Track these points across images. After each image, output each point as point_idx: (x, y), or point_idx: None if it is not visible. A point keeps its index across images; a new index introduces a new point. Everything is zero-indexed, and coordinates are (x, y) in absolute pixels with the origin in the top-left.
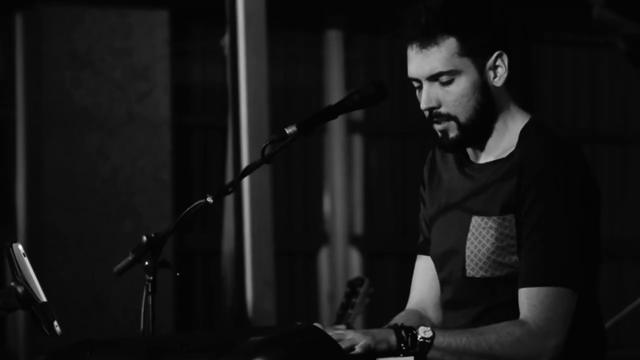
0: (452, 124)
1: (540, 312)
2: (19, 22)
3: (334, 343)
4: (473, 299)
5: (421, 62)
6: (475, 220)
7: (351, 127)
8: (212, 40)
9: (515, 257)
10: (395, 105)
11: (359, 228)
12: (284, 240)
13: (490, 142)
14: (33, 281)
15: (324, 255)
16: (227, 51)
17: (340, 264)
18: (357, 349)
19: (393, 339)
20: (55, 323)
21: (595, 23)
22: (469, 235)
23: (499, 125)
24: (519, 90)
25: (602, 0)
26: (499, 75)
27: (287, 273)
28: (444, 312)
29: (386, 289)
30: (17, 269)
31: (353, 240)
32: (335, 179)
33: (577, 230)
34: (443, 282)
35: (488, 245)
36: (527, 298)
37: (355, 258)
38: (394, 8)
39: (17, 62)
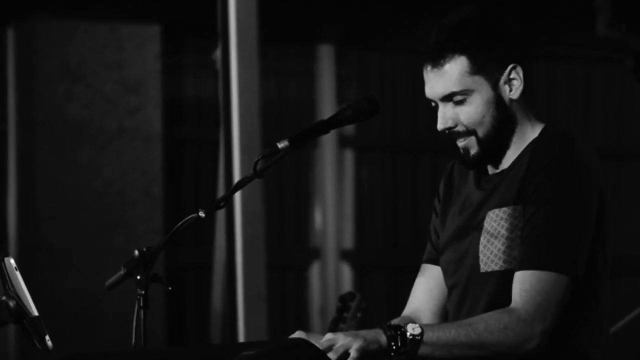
0: (473, 139)
1: (530, 297)
2: (11, 36)
3: (324, 356)
4: (481, 296)
5: (434, 82)
6: (488, 215)
7: (342, 142)
8: (204, 54)
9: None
10: (387, 120)
11: (349, 242)
12: (276, 255)
13: (508, 154)
14: (25, 295)
15: (315, 270)
16: (218, 65)
17: (331, 277)
18: (353, 353)
19: (383, 338)
20: (47, 337)
21: (602, 41)
22: (483, 230)
23: (516, 138)
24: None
25: (607, 19)
26: (515, 88)
27: (278, 287)
28: (451, 316)
29: (377, 302)
30: (9, 283)
31: (344, 254)
32: (327, 194)
33: (578, 219)
34: (454, 287)
35: (503, 239)
36: (519, 282)
37: (346, 272)
38: (386, 24)
39: (9, 76)
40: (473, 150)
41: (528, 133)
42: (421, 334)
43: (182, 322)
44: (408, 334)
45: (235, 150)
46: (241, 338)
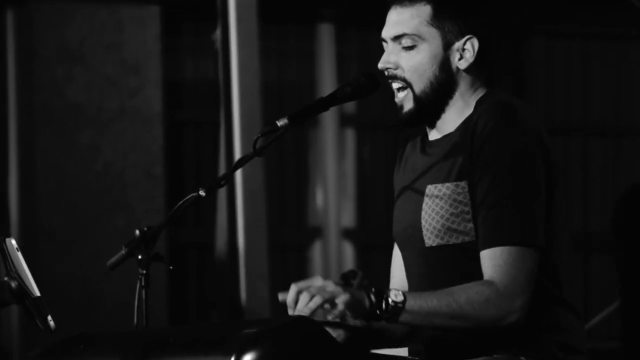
0: (409, 95)
1: (505, 272)
2: (9, 19)
3: (326, 334)
4: (435, 271)
5: (392, 22)
6: (429, 189)
7: (344, 121)
8: (204, 35)
9: (470, 225)
10: (388, 99)
11: (351, 221)
12: (277, 234)
13: (448, 118)
14: (26, 275)
15: (317, 248)
16: (218, 45)
17: (333, 256)
18: (340, 305)
19: (366, 301)
20: (49, 317)
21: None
22: (423, 205)
23: (458, 105)
24: (509, 84)
25: None
26: (465, 58)
27: (280, 266)
28: (411, 288)
29: (379, 281)
30: (11, 264)
31: (346, 233)
32: (328, 172)
33: (533, 188)
34: (406, 259)
35: (442, 212)
36: (491, 259)
37: (348, 251)
38: (386, 2)
39: (9, 59)
40: (407, 106)
41: (473, 100)
42: (403, 302)
43: (184, 301)
44: (390, 300)
45: (235, 131)
46: (243, 317)
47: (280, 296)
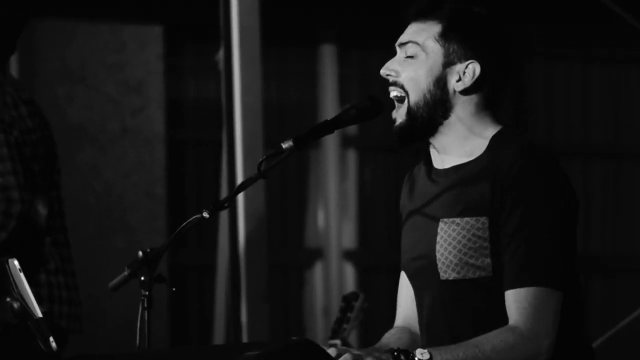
0: (403, 107)
1: (530, 314)
2: None
3: (328, 356)
4: (450, 304)
5: (405, 33)
6: (445, 223)
7: (345, 142)
8: (206, 55)
9: (488, 260)
10: (390, 120)
11: (352, 242)
12: (279, 255)
13: (454, 146)
14: (29, 296)
15: (318, 270)
16: (221, 66)
17: (334, 278)
18: None
19: None
20: (51, 338)
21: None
22: (438, 238)
23: (458, 129)
24: (509, 105)
25: None
26: (463, 81)
27: (281, 288)
28: (421, 319)
29: (380, 303)
30: (13, 285)
31: (347, 254)
32: (329, 194)
33: (558, 232)
34: (417, 289)
35: (459, 246)
36: (516, 300)
37: (349, 272)
38: (387, 23)
39: None
40: (400, 119)
41: (477, 128)
42: (430, 359)
43: (185, 323)
44: (416, 359)
45: (238, 152)
46: (244, 338)
47: None
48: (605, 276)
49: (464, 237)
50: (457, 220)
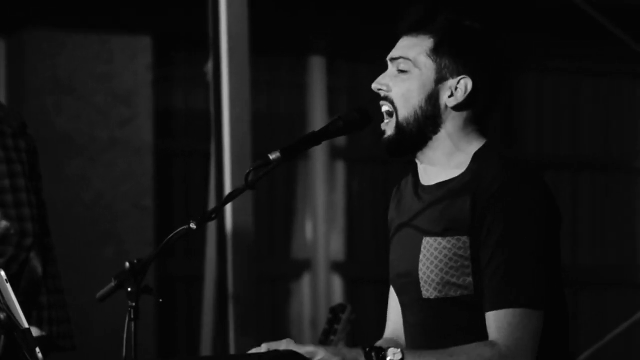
0: (392, 122)
1: (509, 334)
2: (1, 48)
3: None
4: (432, 323)
5: (397, 47)
6: (427, 242)
7: (334, 153)
8: (195, 65)
9: (469, 279)
10: (379, 132)
11: (340, 254)
12: (266, 266)
13: (438, 164)
14: (15, 307)
15: (305, 281)
16: (210, 78)
17: (322, 290)
18: None
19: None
20: (37, 350)
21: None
22: (421, 257)
23: (446, 145)
24: (499, 117)
25: None
26: (455, 97)
27: (269, 299)
28: (407, 336)
29: (368, 315)
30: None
31: (335, 266)
32: (318, 205)
33: (539, 250)
34: (403, 306)
35: (441, 265)
36: (495, 321)
37: (337, 284)
38: (377, 35)
39: (0, 88)
40: (389, 132)
41: (463, 144)
42: None
43: (173, 334)
44: (388, 358)
45: (226, 162)
46: (232, 350)
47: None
48: (594, 288)
49: (445, 256)
50: (439, 239)
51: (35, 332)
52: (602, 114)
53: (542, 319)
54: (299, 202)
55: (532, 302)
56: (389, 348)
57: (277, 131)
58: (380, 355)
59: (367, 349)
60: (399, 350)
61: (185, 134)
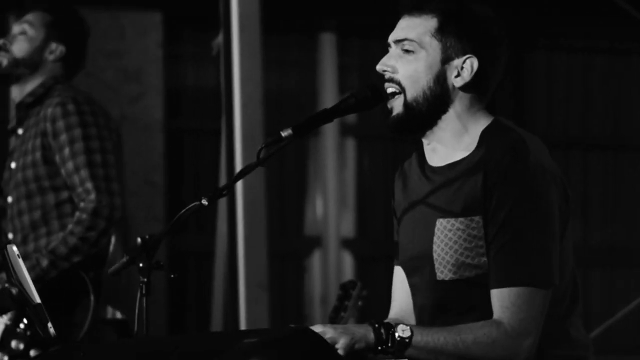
0: (400, 100)
1: (513, 313)
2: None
3: (326, 345)
4: (446, 304)
5: (399, 28)
6: (440, 223)
7: (344, 131)
8: (206, 43)
9: (484, 259)
10: (387, 110)
11: (351, 231)
12: (277, 243)
13: (448, 144)
14: (27, 283)
15: (316, 258)
16: (215, 52)
17: (332, 266)
18: (339, 351)
19: (371, 336)
20: (49, 324)
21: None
22: (435, 238)
23: (454, 125)
24: (509, 97)
25: None
26: (462, 76)
27: (279, 276)
28: (417, 317)
29: (378, 291)
30: (12, 271)
31: (345, 243)
32: (328, 182)
33: (545, 228)
34: (413, 287)
35: (456, 247)
36: (499, 299)
37: (347, 261)
38: (387, 12)
39: None
40: (396, 111)
41: (471, 124)
42: (410, 337)
43: (184, 309)
44: (397, 335)
45: (237, 140)
46: (242, 326)
47: None
48: (604, 267)
49: (459, 237)
50: (453, 220)
51: (114, 314)
52: (613, 93)
53: (549, 297)
54: (310, 179)
55: (537, 281)
56: (397, 324)
57: (287, 109)
58: (390, 332)
59: (376, 325)
60: (408, 327)
61: (195, 111)
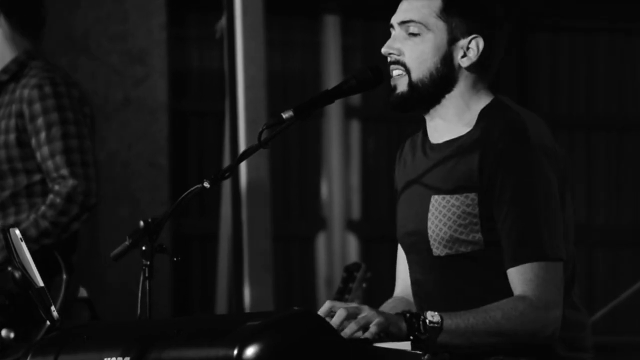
0: (405, 78)
1: (538, 286)
2: None
3: (330, 327)
4: (443, 279)
5: (402, 9)
6: (435, 199)
7: (348, 112)
8: (210, 25)
9: (479, 235)
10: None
11: (356, 213)
12: (281, 225)
13: (449, 122)
14: (30, 266)
15: (321, 240)
16: (218, 35)
17: (337, 249)
18: (372, 328)
19: (403, 324)
20: (53, 308)
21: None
22: (429, 214)
23: (458, 104)
24: (512, 78)
25: None
26: (468, 57)
27: (284, 258)
28: (414, 293)
29: (383, 273)
30: (15, 254)
31: (350, 225)
32: (333, 164)
33: (551, 201)
34: (411, 263)
35: (450, 223)
36: (521, 274)
37: (352, 243)
38: None
39: None
40: (401, 89)
41: (473, 103)
42: (440, 322)
43: (188, 293)
44: (427, 321)
45: (240, 121)
46: (247, 308)
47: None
48: (608, 248)
49: (453, 213)
50: (447, 197)
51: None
52: (617, 73)
53: (562, 268)
54: (314, 161)
55: (552, 254)
56: (425, 312)
57: (291, 91)
58: (421, 318)
59: (408, 315)
60: (436, 313)
61: (200, 92)
